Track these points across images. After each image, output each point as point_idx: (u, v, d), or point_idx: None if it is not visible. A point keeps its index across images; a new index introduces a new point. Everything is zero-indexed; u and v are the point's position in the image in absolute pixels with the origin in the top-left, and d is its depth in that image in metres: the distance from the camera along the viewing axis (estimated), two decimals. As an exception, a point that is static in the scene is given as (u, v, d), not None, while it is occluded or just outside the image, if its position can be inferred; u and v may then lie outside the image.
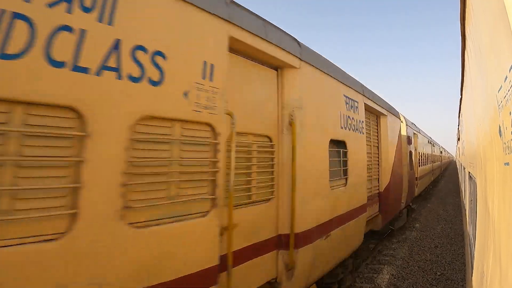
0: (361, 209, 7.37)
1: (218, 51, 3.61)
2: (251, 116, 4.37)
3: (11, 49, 2.09)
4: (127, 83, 2.70)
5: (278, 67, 4.96)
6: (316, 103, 5.57)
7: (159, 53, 2.96)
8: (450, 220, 15.51)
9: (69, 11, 2.35)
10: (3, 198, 2.12)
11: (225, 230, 3.62)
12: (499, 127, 1.85)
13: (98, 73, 2.49)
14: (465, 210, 9.48)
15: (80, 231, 2.38)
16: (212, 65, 3.47)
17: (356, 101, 7.42)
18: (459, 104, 11.28)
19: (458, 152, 24.40)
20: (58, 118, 2.34)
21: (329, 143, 5.89)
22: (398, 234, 13.29)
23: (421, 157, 20.03)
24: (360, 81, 8.04)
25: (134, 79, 2.76)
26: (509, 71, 1.41)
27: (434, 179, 31.43)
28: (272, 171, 4.69)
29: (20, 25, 2.12)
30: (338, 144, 6.44)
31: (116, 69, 2.62)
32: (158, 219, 2.95)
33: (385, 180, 9.95)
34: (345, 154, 6.64)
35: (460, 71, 7.11)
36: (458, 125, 15.80)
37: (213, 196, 3.42)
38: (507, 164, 1.71)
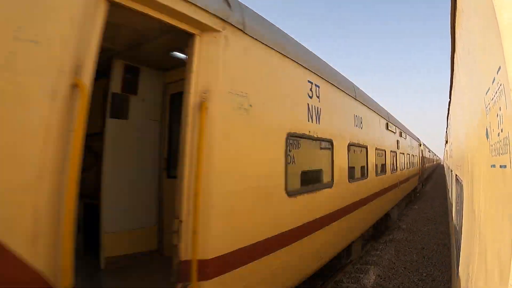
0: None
1: None
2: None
3: None
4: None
5: None
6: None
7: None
8: (436, 222, 15.68)
9: None
10: None
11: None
12: (486, 129, 1.86)
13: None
14: (452, 212, 9.58)
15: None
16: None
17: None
18: (447, 107, 11.40)
19: (446, 155, 24.70)
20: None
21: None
22: (384, 235, 13.40)
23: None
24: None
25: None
26: (497, 73, 1.41)
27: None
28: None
29: None
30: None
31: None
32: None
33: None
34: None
35: (449, 74, 7.17)
36: (447, 128, 15.98)
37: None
38: (494, 166, 1.72)
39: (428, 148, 50.32)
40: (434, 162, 75.15)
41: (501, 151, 1.48)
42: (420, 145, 29.66)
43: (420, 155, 29.43)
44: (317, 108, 6.00)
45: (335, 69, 8.02)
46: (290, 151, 5.06)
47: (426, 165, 42.26)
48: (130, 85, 5.71)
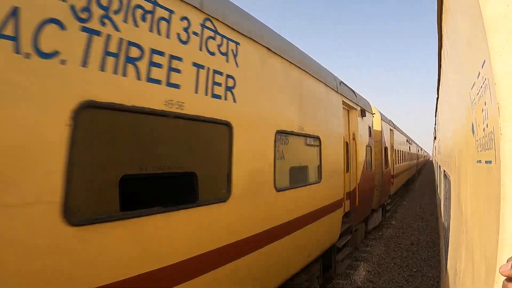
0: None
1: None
2: None
3: None
4: None
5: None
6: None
7: None
8: (426, 218, 15.83)
9: None
10: None
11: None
12: (472, 124, 1.85)
13: None
14: (440, 208, 9.67)
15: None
16: None
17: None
18: (435, 103, 11.51)
19: (434, 151, 24.91)
20: None
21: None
22: (374, 231, 13.48)
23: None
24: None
25: None
26: (482, 66, 1.39)
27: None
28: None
29: None
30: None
31: None
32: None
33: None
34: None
35: (437, 71, 7.22)
36: (435, 124, 16.13)
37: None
38: (479, 162, 1.70)
39: (406, 136, 28.74)
40: (421, 159, 63.67)
41: (486, 147, 1.46)
42: (372, 116, 12.29)
43: (383, 144, 14.02)
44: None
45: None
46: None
47: (405, 163, 25.30)
48: None
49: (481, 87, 1.45)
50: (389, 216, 16.41)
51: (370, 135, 11.49)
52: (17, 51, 2.01)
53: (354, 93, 9.56)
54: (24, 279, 2.07)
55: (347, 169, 8.65)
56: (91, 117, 2.75)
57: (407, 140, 29.08)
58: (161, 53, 2.98)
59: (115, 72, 2.59)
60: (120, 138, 3.90)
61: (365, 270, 8.88)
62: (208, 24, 3.58)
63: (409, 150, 31.04)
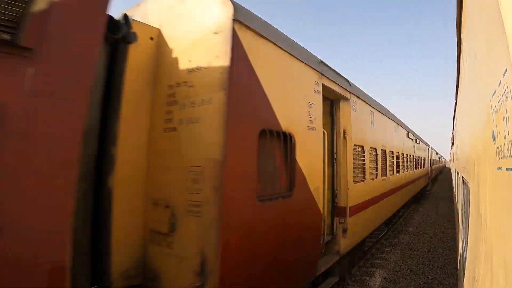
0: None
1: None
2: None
3: None
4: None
5: None
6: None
7: None
8: (442, 225, 15.57)
9: None
10: None
11: None
12: (493, 131, 1.84)
13: None
14: (458, 215, 9.52)
15: None
16: None
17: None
18: (453, 109, 11.34)
19: (452, 156, 24.52)
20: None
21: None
22: (390, 237, 13.33)
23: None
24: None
25: None
26: (504, 75, 1.40)
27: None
28: None
29: None
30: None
31: None
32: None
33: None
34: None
35: (455, 76, 7.13)
36: (453, 130, 15.89)
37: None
38: (500, 168, 1.70)
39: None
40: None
41: (507, 154, 1.46)
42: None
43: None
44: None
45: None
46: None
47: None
48: None
49: (503, 95, 1.46)
50: (405, 223, 16.26)
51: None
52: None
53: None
54: None
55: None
56: None
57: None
58: None
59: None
60: None
61: (381, 276, 8.79)
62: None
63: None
